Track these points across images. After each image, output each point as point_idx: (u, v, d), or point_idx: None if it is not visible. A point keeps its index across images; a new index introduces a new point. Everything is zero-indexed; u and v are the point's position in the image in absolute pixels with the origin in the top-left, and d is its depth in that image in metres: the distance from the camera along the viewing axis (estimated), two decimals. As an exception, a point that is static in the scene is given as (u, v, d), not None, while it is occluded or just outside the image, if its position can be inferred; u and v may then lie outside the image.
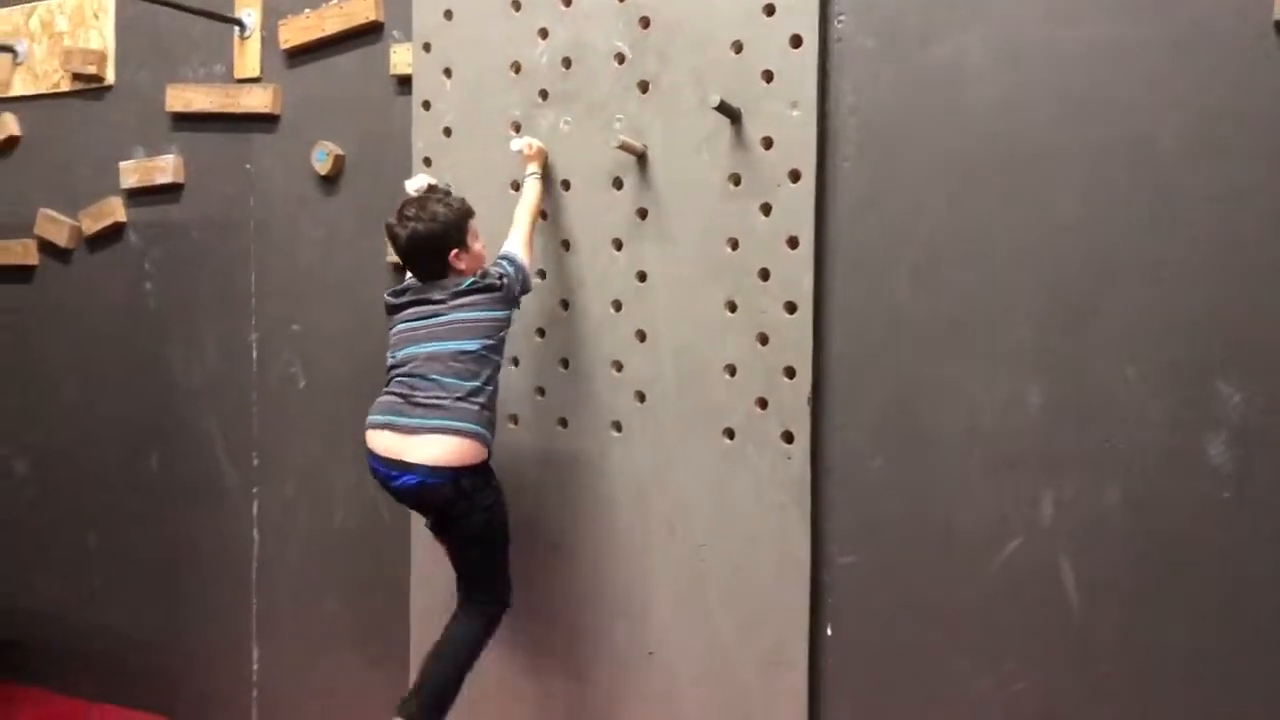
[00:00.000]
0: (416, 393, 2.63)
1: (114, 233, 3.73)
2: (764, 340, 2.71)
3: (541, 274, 2.95)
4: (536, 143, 2.87)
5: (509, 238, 2.78)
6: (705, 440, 2.79)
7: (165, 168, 3.58)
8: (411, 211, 2.68)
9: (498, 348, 2.70)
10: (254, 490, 3.52)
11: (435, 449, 2.60)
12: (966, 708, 2.56)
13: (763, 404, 2.72)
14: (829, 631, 2.71)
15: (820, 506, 2.70)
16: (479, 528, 2.72)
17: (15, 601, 3.99)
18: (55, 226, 3.81)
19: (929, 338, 2.58)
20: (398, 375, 2.68)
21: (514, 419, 3.01)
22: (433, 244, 2.67)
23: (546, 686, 3.02)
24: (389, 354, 2.73)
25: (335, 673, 3.39)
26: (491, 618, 2.81)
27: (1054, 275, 2.46)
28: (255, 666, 3.53)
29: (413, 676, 3.14)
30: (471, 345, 2.63)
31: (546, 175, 2.90)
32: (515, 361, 2.98)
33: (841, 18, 2.64)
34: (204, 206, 3.56)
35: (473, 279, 2.68)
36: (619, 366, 2.89)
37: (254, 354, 3.50)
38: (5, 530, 4.02)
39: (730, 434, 2.76)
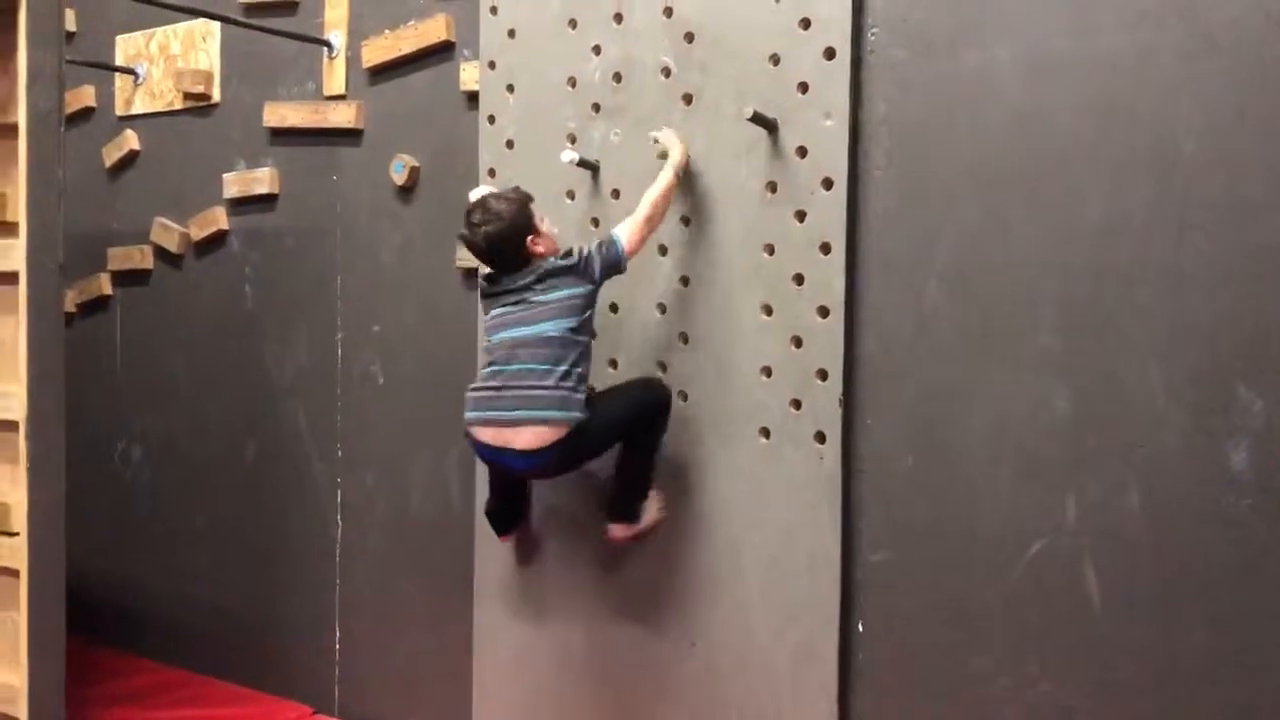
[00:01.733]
0: (508, 382, 2.75)
1: (218, 239, 4.04)
2: (798, 343, 2.80)
3: (593, 278, 3.11)
4: (666, 129, 2.92)
5: (626, 220, 2.85)
6: (743, 439, 2.90)
7: (262, 179, 3.87)
8: (478, 216, 2.81)
9: (581, 328, 2.77)
10: (338, 480, 3.77)
11: (532, 438, 2.73)
12: (989, 707, 2.61)
13: (797, 405, 2.81)
14: (859, 628, 2.78)
15: (851, 505, 2.78)
16: (609, 432, 2.84)
17: (129, 575, 4.36)
18: (168, 234, 4.15)
19: (957, 342, 2.64)
20: (492, 363, 2.80)
21: (567, 416, 3.17)
22: (508, 238, 2.78)
23: (596, 675, 3.16)
24: (485, 338, 2.87)
25: (409, 651, 3.61)
26: (658, 420, 2.93)
27: (1078, 281, 2.49)
28: (338, 645, 3.78)
29: (476, 658, 3.35)
30: (553, 329, 2.74)
31: (685, 166, 2.89)
32: (569, 361, 3.14)
33: (874, 30, 2.71)
34: (296, 215, 3.83)
35: (550, 260, 2.79)
36: (664, 367, 3.02)
37: (339, 353, 3.75)
38: (122, 511, 4.39)
39: (766, 433, 2.86)
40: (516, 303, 2.79)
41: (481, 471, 3.31)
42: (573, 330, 2.76)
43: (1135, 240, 2.42)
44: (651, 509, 2.97)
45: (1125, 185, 2.43)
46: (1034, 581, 2.55)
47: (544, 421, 2.72)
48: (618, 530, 2.98)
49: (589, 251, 2.79)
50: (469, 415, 2.84)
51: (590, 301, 2.81)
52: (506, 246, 2.80)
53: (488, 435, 2.80)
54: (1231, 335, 2.32)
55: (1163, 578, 2.41)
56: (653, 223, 2.84)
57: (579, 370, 2.77)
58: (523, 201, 2.84)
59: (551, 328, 2.74)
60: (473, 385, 2.86)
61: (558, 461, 2.79)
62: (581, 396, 2.76)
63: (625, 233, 2.82)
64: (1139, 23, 2.41)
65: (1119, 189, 2.43)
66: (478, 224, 2.80)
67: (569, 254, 2.79)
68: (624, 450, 2.93)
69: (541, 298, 2.77)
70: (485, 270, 2.93)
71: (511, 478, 3.03)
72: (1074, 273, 2.49)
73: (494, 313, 2.84)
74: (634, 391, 2.95)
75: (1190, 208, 2.36)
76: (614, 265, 2.82)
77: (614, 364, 3.10)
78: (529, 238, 2.80)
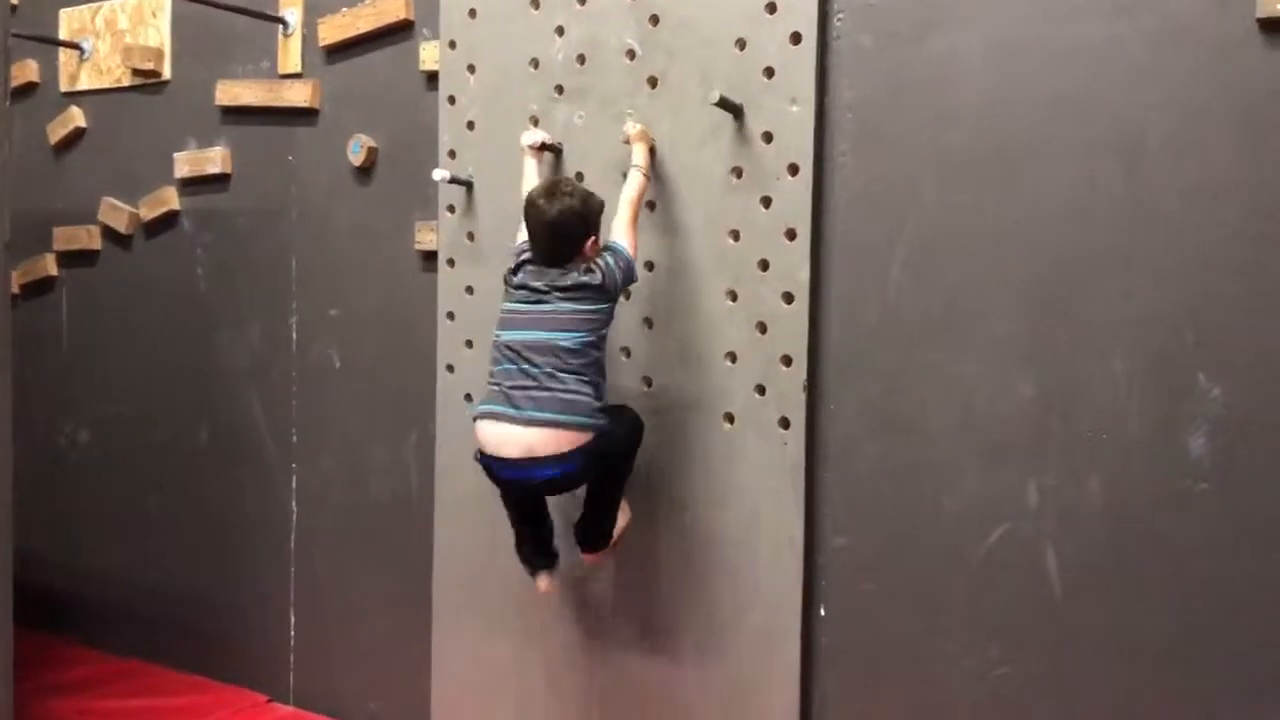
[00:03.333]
0: (527, 383, 2.64)
1: (169, 220, 3.95)
2: (763, 329, 2.80)
3: (556, 262, 3.08)
4: (637, 125, 2.85)
5: (614, 228, 2.78)
6: (707, 425, 2.89)
7: (214, 158, 3.79)
8: (568, 188, 2.69)
9: (597, 342, 2.69)
10: (293, 465, 3.72)
11: (558, 442, 2.62)
12: (951, 690, 2.63)
13: (761, 391, 2.81)
14: (822, 611, 2.80)
15: (815, 490, 2.79)
16: (620, 448, 2.78)
17: (77, 562, 4.27)
18: (116, 214, 4.05)
19: (922, 328, 2.65)
20: (504, 360, 2.69)
21: (529, 401, 3.14)
22: (578, 225, 2.66)
23: (556, 659, 3.15)
24: (497, 330, 2.75)
25: (366, 637, 3.57)
26: (633, 450, 2.85)
27: (1042, 268, 2.51)
28: (293, 632, 3.73)
29: (435, 641, 3.32)
30: (569, 340, 2.64)
31: (652, 164, 2.86)
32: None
33: (840, 15, 2.71)
34: (250, 196, 3.76)
35: (578, 273, 2.68)
36: (628, 353, 3.00)
37: (294, 336, 3.69)
38: (70, 497, 4.29)
39: (730, 419, 2.86)
40: (539, 303, 2.69)
41: (446, 454, 3.29)
42: (589, 344, 2.68)
43: (1099, 228, 2.44)
44: (620, 521, 2.93)
45: (1090, 173, 2.45)
46: (996, 566, 2.58)
47: (568, 426, 2.62)
48: (593, 558, 2.93)
49: (609, 265, 2.69)
50: (482, 409, 2.70)
51: (610, 316, 2.74)
52: (574, 233, 2.66)
53: (506, 442, 2.65)
54: (1192, 323, 2.36)
55: (1122, 562, 2.44)
56: (636, 222, 2.81)
57: (598, 381, 2.71)
58: (601, 203, 2.75)
59: (570, 339, 2.65)
60: (490, 381, 2.73)
61: (583, 469, 2.68)
62: (602, 405, 2.70)
63: (624, 240, 2.75)
64: (1106, 11, 2.42)
65: (1084, 177, 2.45)
66: (559, 195, 2.67)
67: (592, 271, 2.67)
68: (599, 481, 2.83)
69: (565, 305, 2.67)
70: (519, 246, 2.79)
71: (531, 495, 2.85)
72: (1038, 260, 2.51)
73: (513, 308, 2.73)
74: (627, 412, 2.88)
75: (1154, 197, 2.38)
76: (630, 276, 2.75)
77: (577, 349, 3.07)
78: (591, 239, 2.69)
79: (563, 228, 2.66)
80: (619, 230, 2.77)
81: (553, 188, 2.71)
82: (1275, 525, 2.29)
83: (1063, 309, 2.49)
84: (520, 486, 2.76)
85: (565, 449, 2.64)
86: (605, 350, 2.75)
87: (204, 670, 3.90)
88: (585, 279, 2.67)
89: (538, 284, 2.70)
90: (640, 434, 2.88)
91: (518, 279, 2.75)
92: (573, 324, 2.66)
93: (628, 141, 2.86)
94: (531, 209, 2.70)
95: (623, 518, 2.94)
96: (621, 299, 2.97)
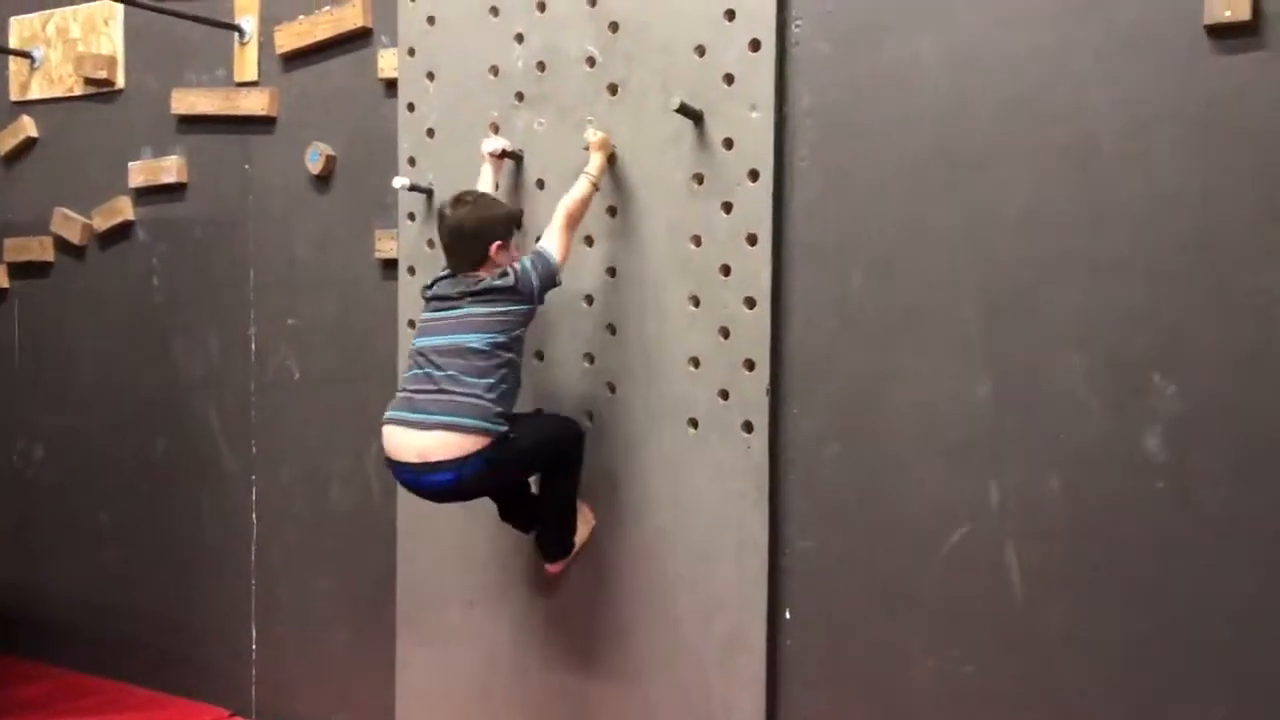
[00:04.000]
0: (429, 386, 2.66)
1: (124, 230, 3.90)
2: (725, 334, 2.81)
3: (518, 270, 3.08)
4: (599, 134, 2.87)
5: (545, 232, 2.80)
6: (671, 430, 2.89)
7: (170, 167, 3.75)
8: (471, 197, 2.75)
9: (509, 344, 2.70)
10: (252, 476, 3.68)
11: (450, 447, 2.62)
12: (916, 690, 2.65)
13: (724, 395, 2.82)
14: (787, 615, 2.81)
15: (779, 493, 2.80)
16: (528, 459, 2.79)
17: (35, 579, 4.19)
18: (69, 224, 3.99)
19: (882, 331, 2.67)
20: (417, 367, 2.72)
21: (492, 409, 3.13)
22: (478, 232, 2.71)
23: (522, 667, 3.14)
24: (413, 339, 2.80)
25: (329, 649, 3.54)
26: (573, 456, 2.90)
27: (1000, 271, 2.54)
28: (254, 645, 3.69)
29: (400, 651, 3.30)
30: (478, 341, 2.67)
31: (610, 173, 2.90)
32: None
33: (799, 22, 2.73)
34: (206, 205, 3.72)
35: (491, 277, 2.71)
36: (591, 359, 3.00)
37: (253, 346, 3.65)
38: (24, 513, 4.22)
39: (695, 424, 2.86)
40: (450, 309, 2.73)
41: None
42: (500, 346, 2.69)
43: (1055, 232, 2.48)
44: (582, 529, 2.96)
45: (1045, 178, 2.48)
46: (958, 566, 2.60)
47: (464, 429, 2.63)
48: (554, 567, 2.98)
49: (524, 268, 2.72)
50: (386, 415, 2.75)
51: (525, 319, 2.76)
52: (473, 240, 2.71)
53: (404, 446, 2.67)
54: (1147, 325, 2.39)
55: (1081, 561, 2.47)
56: (572, 228, 2.82)
57: (504, 386, 2.71)
58: (510, 212, 2.82)
59: (479, 340, 2.67)
60: (399, 388, 2.79)
61: (479, 475, 2.67)
62: (504, 411, 2.70)
63: (552, 244, 2.78)
64: (1059, 17, 2.46)
65: (1039, 181, 2.49)
66: (457, 203, 2.73)
67: (505, 274, 2.70)
68: (544, 492, 2.90)
69: (476, 309, 2.70)
70: (439, 273, 2.84)
71: (437, 499, 2.82)
72: (996, 263, 2.54)
73: (426, 316, 2.79)
74: (552, 421, 2.93)
75: (1108, 200, 2.42)
76: (550, 278, 2.77)
77: (540, 356, 3.07)
78: (496, 243, 2.72)
79: (463, 233, 2.71)
80: (548, 235, 2.80)
81: (458, 197, 2.76)
82: (1228, 522, 2.32)
83: (1020, 311, 2.52)
84: (419, 492, 2.75)
85: (460, 454, 2.64)
86: (520, 354, 2.78)
87: (165, 685, 3.85)
88: (497, 282, 2.71)
89: (450, 291, 2.75)
90: (573, 442, 2.90)
91: (432, 290, 2.81)
92: (482, 325, 2.69)
93: (588, 149, 2.87)
94: (438, 217, 2.77)
95: (584, 526, 2.95)
96: (584, 305, 2.99)
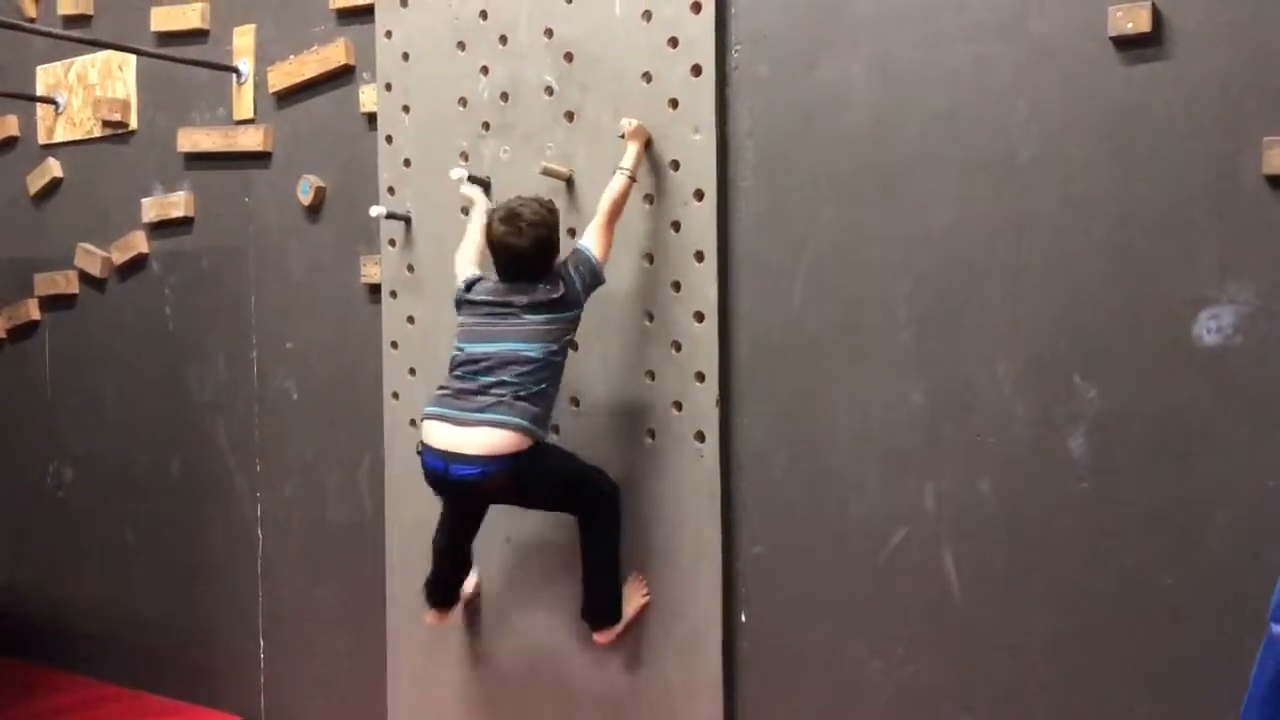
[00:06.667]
0: (479, 389, 2.73)
1: (139, 263, 4.14)
2: (678, 347, 2.93)
3: (488, 291, 3.23)
4: (634, 122, 2.88)
5: (587, 230, 2.86)
6: (631, 441, 3.01)
7: (178, 203, 3.97)
8: (530, 215, 2.75)
9: (560, 350, 2.79)
10: (257, 493, 3.87)
11: (487, 439, 2.70)
12: (864, 688, 2.73)
13: (678, 406, 2.93)
14: (743, 618, 2.90)
15: (731, 500, 2.90)
16: (558, 476, 2.87)
17: (61, 593, 4.44)
18: (90, 258, 4.24)
19: (823, 342, 2.77)
20: (465, 366, 2.77)
21: (468, 424, 3.28)
22: (550, 249, 2.78)
23: (503, 675, 3.27)
24: (456, 345, 2.83)
25: (329, 655, 3.71)
26: (609, 506, 2.94)
27: (928, 281, 2.62)
28: (262, 653, 3.87)
29: (390, 657, 3.45)
30: (536, 351, 2.74)
31: (644, 163, 2.90)
32: (468, 371, 3.25)
33: (737, 48, 2.85)
34: (211, 237, 3.94)
35: (545, 285, 2.76)
36: (556, 374, 3.13)
37: (255, 370, 3.85)
38: (55, 531, 4.47)
39: (652, 434, 2.98)
40: (506, 316, 2.77)
41: (394, 478, 3.43)
42: (553, 353, 2.77)
43: (979, 241, 2.56)
44: (634, 597, 2.97)
45: (968, 189, 2.56)
46: (899, 567, 2.68)
47: (504, 425, 2.70)
48: (602, 636, 2.97)
49: (570, 276, 2.77)
50: (426, 410, 2.81)
51: (575, 324, 2.84)
52: (547, 256, 2.78)
53: (440, 436, 2.75)
54: (1067, 329, 2.46)
55: (1013, 560, 2.54)
56: (612, 225, 2.84)
57: (552, 391, 2.80)
58: (558, 216, 2.86)
59: (537, 349, 2.74)
60: (440, 385, 2.84)
61: (510, 477, 2.74)
62: (546, 415, 2.79)
63: (593, 243, 2.82)
64: (977, 35, 2.55)
65: (963, 193, 2.57)
66: (528, 224, 2.75)
67: (558, 283, 2.76)
68: (585, 549, 2.93)
69: (534, 318, 2.75)
70: (469, 275, 2.90)
71: (461, 506, 2.96)
72: (925, 274, 2.62)
73: (475, 320, 2.81)
74: (588, 466, 2.97)
75: (1027, 209, 2.50)
76: (595, 280, 2.82)
77: (509, 372, 3.21)
78: (557, 254, 2.82)
79: (539, 250, 2.77)
80: (590, 233, 2.84)
81: (515, 215, 2.77)
82: (1148, 520, 2.38)
83: (948, 319, 2.60)
84: (445, 486, 2.83)
85: (494, 452, 2.71)
86: (565, 357, 2.84)
87: (180, 694, 4.05)
88: (551, 295, 2.76)
89: (504, 299, 2.78)
90: (607, 493, 2.94)
91: (477, 294, 2.83)
92: (541, 335, 2.76)
93: (624, 137, 2.89)
94: (501, 244, 2.78)
95: (636, 598, 2.96)
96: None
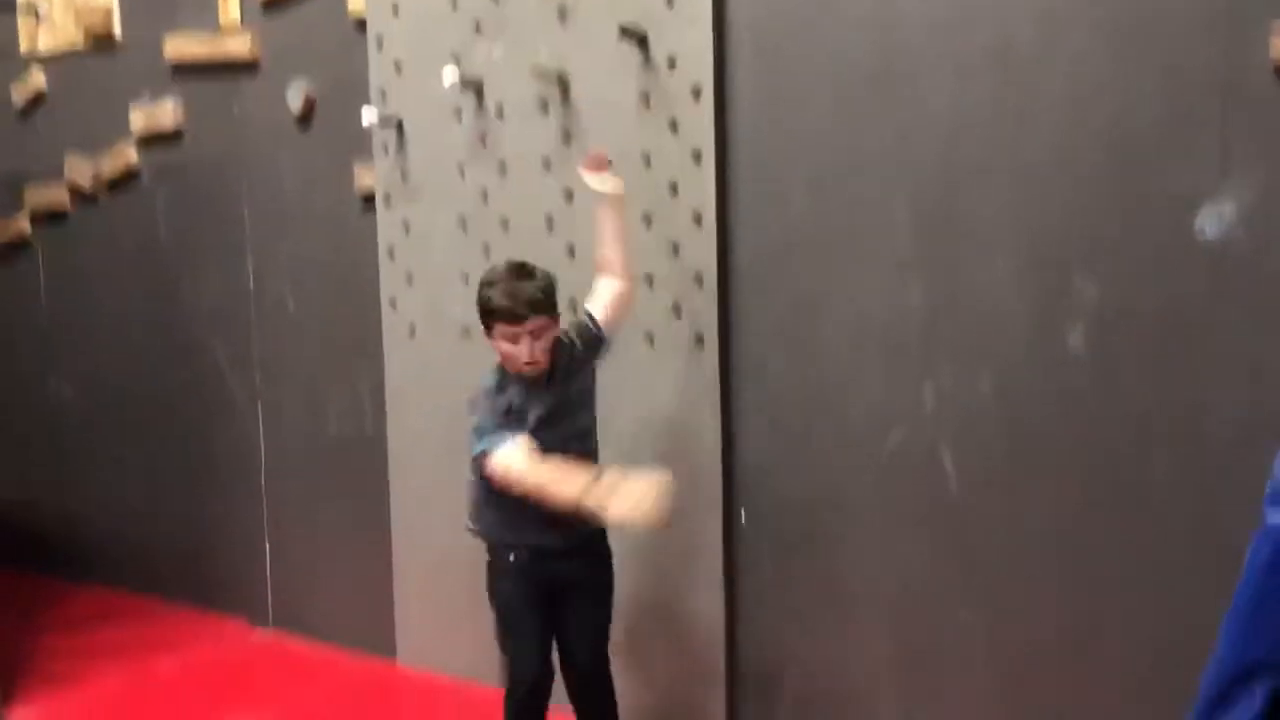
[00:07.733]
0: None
1: (130, 176, 4.08)
2: (676, 251, 2.90)
3: (483, 196, 3.19)
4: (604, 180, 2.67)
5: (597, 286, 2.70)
6: (629, 346, 3.00)
7: (167, 113, 3.90)
8: (534, 273, 2.55)
9: (592, 399, 2.70)
10: (258, 404, 3.88)
11: None
12: (865, 586, 2.77)
13: (677, 311, 2.92)
14: (743, 519, 2.93)
15: (730, 404, 2.90)
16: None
17: (67, 507, 4.48)
18: (80, 172, 4.19)
19: (823, 244, 2.74)
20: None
21: (467, 331, 3.27)
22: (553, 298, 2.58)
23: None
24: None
25: (335, 562, 3.75)
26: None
27: (927, 180, 2.59)
28: (268, 560, 3.92)
29: (395, 566, 3.49)
30: (587, 420, 2.67)
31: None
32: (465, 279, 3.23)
33: (733, -61, 2.77)
34: (201, 148, 3.88)
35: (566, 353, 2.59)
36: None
37: (251, 283, 3.83)
38: (58, 446, 4.49)
39: (651, 340, 2.97)
40: (548, 392, 2.57)
41: (394, 388, 3.43)
42: (594, 418, 2.70)
43: (978, 137, 2.52)
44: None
45: (968, 82, 2.52)
46: (898, 465, 2.70)
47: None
48: None
49: (572, 340, 2.63)
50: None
51: (593, 372, 2.71)
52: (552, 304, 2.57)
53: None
54: (1067, 225, 2.44)
55: (1011, 456, 2.55)
56: (624, 251, 2.67)
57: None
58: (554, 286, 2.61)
59: (586, 418, 2.67)
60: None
61: (594, 549, 2.69)
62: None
63: (598, 308, 2.68)
64: (978, -77, 2.48)
65: (962, 86, 2.53)
66: (532, 276, 2.54)
67: (567, 346, 2.61)
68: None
69: (573, 387, 2.63)
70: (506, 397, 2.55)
71: (550, 589, 2.69)
72: (924, 171, 2.59)
73: (535, 409, 2.53)
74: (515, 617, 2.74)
75: (1028, 102, 2.46)
76: (600, 345, 2.68)
77: (507, 279, 3.19)
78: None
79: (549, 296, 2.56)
80: (602, 286, 2.68)
81: (516, 272, 2.54)
82: (1144, 416, 2.38)
83: (948, 218, 2.57)
84: (540, 571, 2.66)
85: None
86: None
87: (189, 599, 4.11)
88: (578, 383, 2.63)
89: (545, 402, 2.56)
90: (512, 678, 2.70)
91: (522, 408, 2.53)
92: (584, 403, 2.66)
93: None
94: (509, 301, 2.49)
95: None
96: (544, 228, 3.10)
